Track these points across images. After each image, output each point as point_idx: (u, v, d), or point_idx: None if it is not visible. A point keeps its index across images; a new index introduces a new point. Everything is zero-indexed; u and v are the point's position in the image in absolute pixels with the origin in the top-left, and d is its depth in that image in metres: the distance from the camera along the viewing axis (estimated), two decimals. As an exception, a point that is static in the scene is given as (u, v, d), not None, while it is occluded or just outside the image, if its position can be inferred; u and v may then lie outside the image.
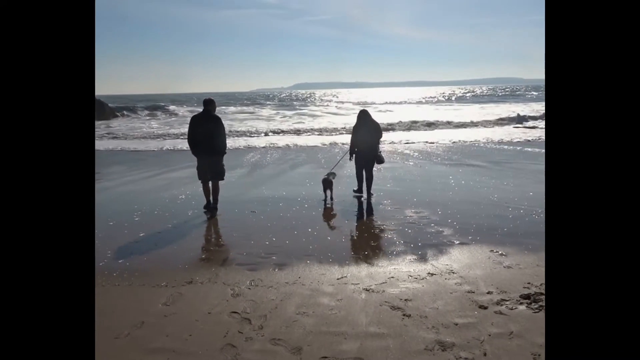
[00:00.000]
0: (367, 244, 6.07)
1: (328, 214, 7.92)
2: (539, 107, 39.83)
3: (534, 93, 78.99)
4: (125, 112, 41.99)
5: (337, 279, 4.80)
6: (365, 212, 8.08)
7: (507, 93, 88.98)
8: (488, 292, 4.33)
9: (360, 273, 4.96)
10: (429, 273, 4.89)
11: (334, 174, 9.13)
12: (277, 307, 4.13)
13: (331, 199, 8.83)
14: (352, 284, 4.64)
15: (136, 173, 12.57)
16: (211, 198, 8.13)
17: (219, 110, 9.01)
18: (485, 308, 4.00)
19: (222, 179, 8.16)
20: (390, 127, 25.99)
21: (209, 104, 8.01)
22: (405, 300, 4.20)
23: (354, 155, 9.17)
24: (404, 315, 3.91)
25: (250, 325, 3.78)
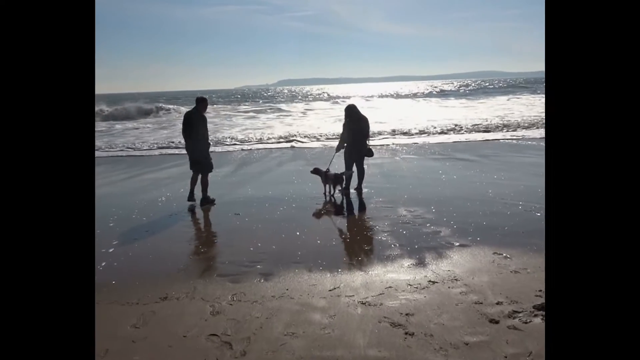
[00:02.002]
0: (361, 247, 5.61)
1: (317, 214, 7.45)
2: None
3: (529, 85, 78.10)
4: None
5: (329, 290, 4.33)
6: (356, 212, 7.63)
7: (504, 85, 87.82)
8: (497, 303, 3.89)
9: (355, 282, 4.50)
10: (430, 281, 4.44)
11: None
12: (262, 326, 3.65)
13: (332, 193, 8.62)
14: (346, 296, 4.18)
15: (115, 174, 11.95)
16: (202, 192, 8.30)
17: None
18: (497, 322, 3.56)
19: (198, 171, 8.29)
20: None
21: (199, 102, 8.24)
22: (407, 314, 3.75)
23: (343, 150, 8.90)
24: (406, 333, 3.45)
25: (231, 351, 3.29)
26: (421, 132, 19.02)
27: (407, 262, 5.02)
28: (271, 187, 9.55)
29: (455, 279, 4.46)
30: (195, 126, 8.07)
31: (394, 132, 19.00)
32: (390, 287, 4.34)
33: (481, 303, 3.90)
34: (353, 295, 4.17)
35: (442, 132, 18.96)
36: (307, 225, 6.70)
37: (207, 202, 8.28)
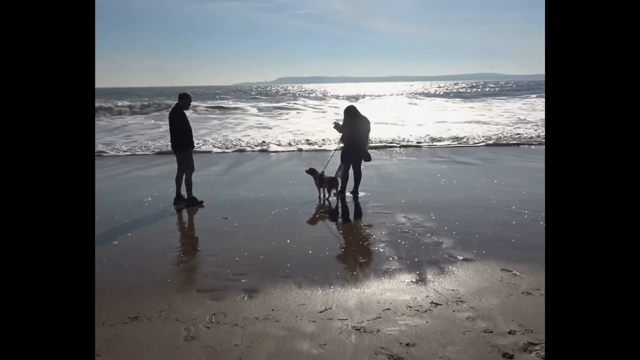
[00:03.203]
0: (356, 260, 5.14)
1: (310, 220, 6.99)
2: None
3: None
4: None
5: (320, 311, 3.87)
6: (351, 218, 7.17)
7: (516, 88, 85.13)
8: (510, 332, 3.43)
9: (349, 302, 4.04)
10: (432, 302, 3.98)
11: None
12: (241, 357, 3.18)
13: (327, 197, 8.18)
14: (339, 319, 3.71)
15: (103, 172, 11.45)
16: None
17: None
18: (512, 358, 3.11)
19: (183, 171, 7.94)
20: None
21: (181, 98, 7.86)
22: (407, 345, 3.28)
23: (341, 152, 8.51)
24: (407, 370, 2.99)
25: (203, 390, 2.83)
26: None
27: (406, 279, 4.56)
28: (264, 188, 9.07)
29: (461, 301, 4.00)
30: (174, 123, 7.75)
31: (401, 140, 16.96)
32: (388, 309, 3.88)
33: (491, 332, 3.45)
34: (346, 319, 3.70)
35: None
36: (299, 232, 6.23)
37: (192, 203, 7.86)
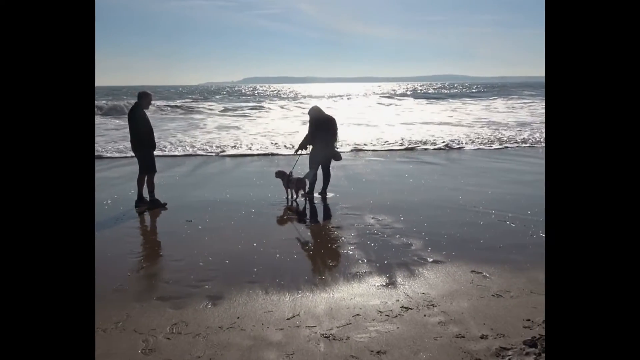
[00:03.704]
0: (325, 263, 5.01)
1: (277, 222, 6.82)
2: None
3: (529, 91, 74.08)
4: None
5: (288, 318, 3.70)
6: (320, 220, 7.03)
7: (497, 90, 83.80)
8: (482, 337, 3.36)
9: (317, 308, 3.89)
10: (403, 307, 3.88)
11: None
12: (203, 371, 2.99)
13: (295, 198, 8.02)
14: (307, 327, 3.56)
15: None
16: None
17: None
18: (484, 364, 3.03)
19: (144, 172, 7.65)
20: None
21: (140, 97, 7.56)
22: (378, 353, 3.16)
23: (306, 151, 8.38)
24: (378, 379, 2.87)
25: (161, 408, 2.63)
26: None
27: (376, 282, 4.45)
28: (230, 190, 8.84)
29: (432, 305, 3.91)
30: (133, 123, 7.43)
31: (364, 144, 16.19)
32: (358, 314, 3.75)
33: (463, 337, 3.36)
34: (315, 326, 3.56)
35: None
36: (266, 235, 6.04)
37: (155, 205, 7.57)
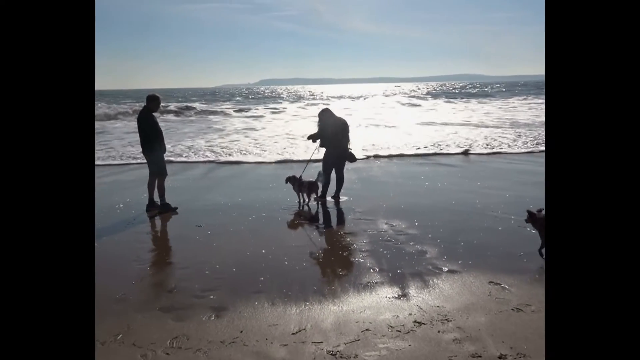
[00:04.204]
0: (334, 272, 4.81)
1: (288, 227, 6.64)
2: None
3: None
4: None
5: (293, 333, 3.52)
6: (331, 225, 6.84)
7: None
8: (500, 357, 3.12)
9: (325, 322, 3.70)
10: (415, 321, 3.66)
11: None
12: (201, 391, 2.83)
13: (307, 202, 7.91)
14: (313, 342, 3.37)
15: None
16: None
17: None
18: (502, 388, 2.81)
19: (155, 176, 7.62)
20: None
21: (149, 100, 7.46)
22: (388, 373, 2.96)
23: (320, 151, 8.26)
24: (387, 404, 2.67)
25: None
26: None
27: (388, 294, 4.24)
28: (242, 193, 8.70)
29: (446, 319, 3.69)
30: (143, 126, 7.35)
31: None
32: (367, 329, 3.55)
33: (480, 356, 3.13)
34: (321, 342, 3.36)
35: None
36: (275, 241, 5.87)
37: (166, 209, 7.46)
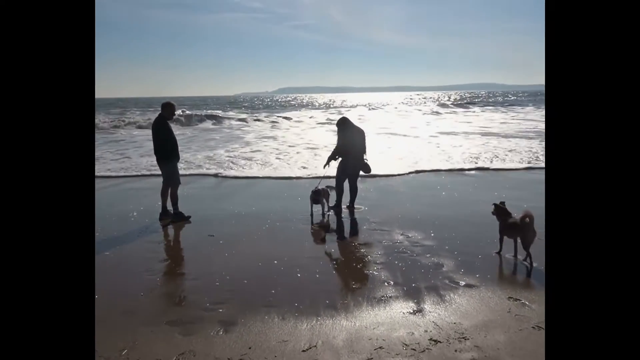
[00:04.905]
0: (347, 285, 4.68)
1: (302, 236, 6.52)
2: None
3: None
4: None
5: (303, 350, 3.39)
6: (346, 236, 6.69)
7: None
8: (521, 380, 2.96)
9: (337, 339, 3.56)
10: (431, 339, 3.51)
11: (338, 190, 7.98)
12: (206, 412, 2.71)
13: (328, 210, 7.84)
14: (324, 361, 3.24)
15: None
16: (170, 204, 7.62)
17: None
18: (524, 415, 2.64)
19: (168, 185, 7.56)
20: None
21: (164, 107, 7.44)
22: (401, 396, 2.81)
23: (337, 162, 8.05)
24: None
25: None
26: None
27: (403, 309, 4.08)
28: (256, 202, 8.62)
29: (464, 337, 3.52)
30: (157, 134, 7.33)
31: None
32: (380, 347, 3.40)
33: (499, 379, 2.97)
34: (332, 361, 3.23)
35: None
36: (288, 252, 5.76)
37: (179, 218, 7.41)
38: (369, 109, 53.63)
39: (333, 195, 8.03)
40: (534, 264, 5.12)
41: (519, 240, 5.30)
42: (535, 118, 32.39)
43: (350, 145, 7.83)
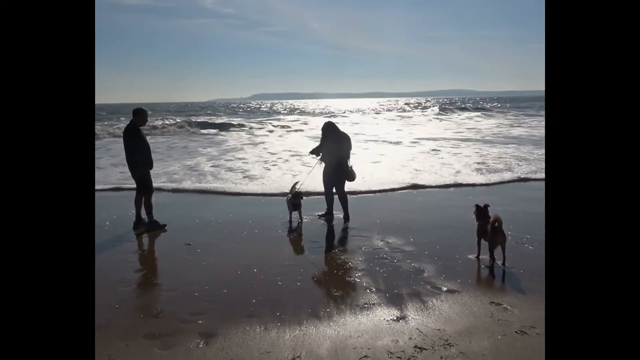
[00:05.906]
0: (330, 293, 4.62)
1: (281, 244, 6.44)
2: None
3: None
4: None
5: (287, 362, 3.32)
6: (326, 242, 6.63)
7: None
8: (508, 386, 2.95)
9: (320, 348, 3.49)
10: (416, 347, 3.48)
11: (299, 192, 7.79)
12: None
13: (300, 219, 7.62)
14: (309, 372, 3.17)
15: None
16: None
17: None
18: (512, 422, 2.62)
19: (141, 193, 7.36)
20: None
21: (135, 113, 7.26)
22: (389, 406, 2.77)
23: (321, 164, 7.93)
24: None
25: None
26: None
27: (386, 316, 4.05)
28: (234, 209, 8.49)
29: (448, 344, 3.50)
30: (129, 141, 7.10)
31: None
32: (366, 356, 3.35)
33: (486, 385, 2.95)
34: (317, 371, 3.17)
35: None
36: (268, 259, 5.67)
37: (154, 227, 7.21)
38: (342, 115, 53.79)
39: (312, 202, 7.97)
40: (512, 268, 5.15)
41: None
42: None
43: (334, 150, 7.73)
